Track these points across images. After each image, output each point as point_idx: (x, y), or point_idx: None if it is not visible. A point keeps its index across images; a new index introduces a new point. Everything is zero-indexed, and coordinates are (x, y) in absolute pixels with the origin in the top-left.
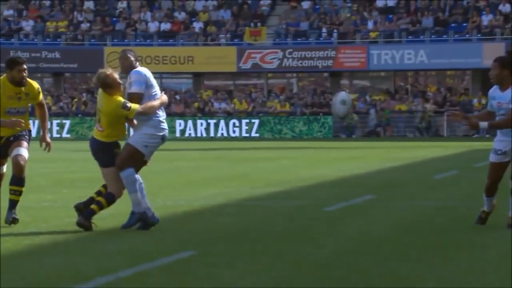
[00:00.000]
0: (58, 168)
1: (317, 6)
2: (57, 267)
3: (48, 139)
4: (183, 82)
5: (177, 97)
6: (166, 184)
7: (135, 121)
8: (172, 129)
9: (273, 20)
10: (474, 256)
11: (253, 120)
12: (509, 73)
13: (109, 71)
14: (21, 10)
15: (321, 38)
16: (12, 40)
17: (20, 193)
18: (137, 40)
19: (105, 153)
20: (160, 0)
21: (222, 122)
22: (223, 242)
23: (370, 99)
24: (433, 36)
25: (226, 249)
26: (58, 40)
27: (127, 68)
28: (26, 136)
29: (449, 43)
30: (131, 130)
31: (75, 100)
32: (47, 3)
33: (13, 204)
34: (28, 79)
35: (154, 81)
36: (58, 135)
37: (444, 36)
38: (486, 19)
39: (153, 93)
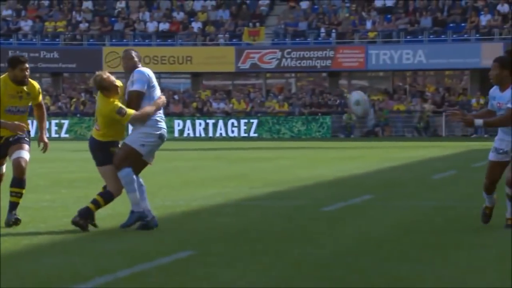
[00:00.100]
0: (56, 168)
1: (316, 6)
2: (56, 267)
3: (46, 139)
4: (182, 82)
5: (176, 97)
6: (165, 184)
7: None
8: (170, 129)
9: (271, 20)
10: (474, 256)
11: (251, 120)
12: (509, 73)
13: (105, 74)
14: (20, 10)
15: (320, 38)
16: (11, 40)
17: (21, 195)
18: (136, 40)
19: (101, 152)
20: (159, 0)
21: (220, 122)
22: (222, 242)
23: (369, 99)
24: (431, 36)
25: (225, 249)
26: (57, 40)
27: (130, 68)
28: (26, 139)
29: (447, 43)
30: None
31: (74, 100)
32: (46, 3)
33: (13, 206)
34: (29, 79)
35: (156, 82)
36: (57, 135)
37: (443, 36)
38: (484, 19)
39: (154, 94)
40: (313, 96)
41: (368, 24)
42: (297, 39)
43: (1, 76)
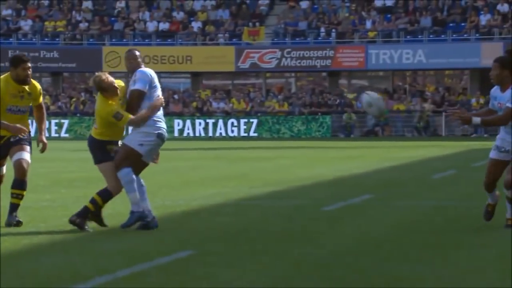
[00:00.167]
0: (56, 168)
1: (316, 6)
2: (56, 267)
3: (45, 140)
4: (182, 81)
5: (176, 96)
6: (165, 183)
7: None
8: (170, 128)
9: (271, 20)
10: (474, 256)
11: (251, 120)
12: (509, 73)
13: (105, 75)
14: (20, 9)
15: (320, 38)
16: (11, 39)
17: (21, 196)
18: (136, 40)
19: (98, 150)
20: (159, 0)
21: (220, 122)
22: (222, 242)
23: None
24: (431, 36)
25: (225, 249)
26: (57, 39)
27: (134, 68)
28: (27, 140)
29: (447, 43)
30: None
31: (74, 99)
32: (46, 2)
33: (14, 207)
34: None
35: (157, 83)
36: (57, 135)
37: (442, 36)
38: (484, 18)
39: (154, 95)
40: (313, 95)
41: (368, 24)
42: (297, 39)
43: (3, 75)
